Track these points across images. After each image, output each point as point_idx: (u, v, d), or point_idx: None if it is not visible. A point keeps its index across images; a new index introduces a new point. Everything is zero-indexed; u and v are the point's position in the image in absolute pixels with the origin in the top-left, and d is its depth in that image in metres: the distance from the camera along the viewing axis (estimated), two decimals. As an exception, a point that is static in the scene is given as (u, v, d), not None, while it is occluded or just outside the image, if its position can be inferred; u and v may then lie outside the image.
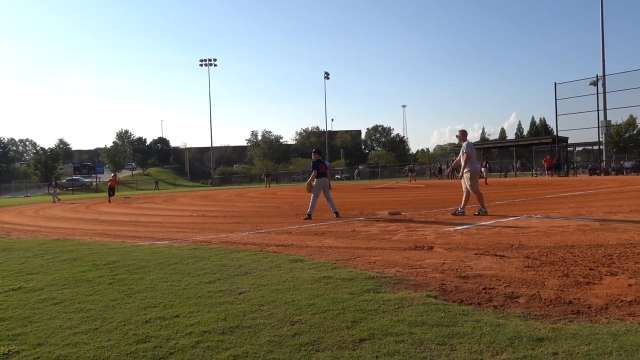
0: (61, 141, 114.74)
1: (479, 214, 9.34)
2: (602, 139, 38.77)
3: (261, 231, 8.44)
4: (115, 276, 4.92)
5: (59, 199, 30.87)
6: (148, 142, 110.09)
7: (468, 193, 9.66)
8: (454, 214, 9.54)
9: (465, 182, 9.64)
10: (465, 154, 9.56)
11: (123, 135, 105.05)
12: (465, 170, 9.57)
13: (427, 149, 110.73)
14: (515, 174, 45.54)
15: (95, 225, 11.75)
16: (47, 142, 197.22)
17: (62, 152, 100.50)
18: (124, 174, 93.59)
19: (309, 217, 10.12)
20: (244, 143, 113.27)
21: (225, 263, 5.35)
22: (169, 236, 8.37)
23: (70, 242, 8.11)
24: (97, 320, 3.43)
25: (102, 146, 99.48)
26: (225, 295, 3.96)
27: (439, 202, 13.86)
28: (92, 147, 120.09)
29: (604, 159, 38.90)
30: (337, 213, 10.24)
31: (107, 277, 4.90)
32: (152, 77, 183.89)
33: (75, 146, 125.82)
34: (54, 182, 33.69)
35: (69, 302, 3.98)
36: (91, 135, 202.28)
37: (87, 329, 3.23)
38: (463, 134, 9.92)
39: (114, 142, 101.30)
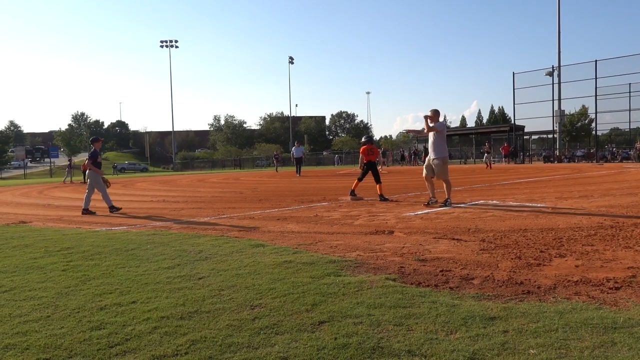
0: (12, 123, 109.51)
1: (446, 204, 8.43)
2: (556, 128, 40.30)
3: (223, 216, 8.35)
4: (70, 263, 4.76)
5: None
6: (106, 125, 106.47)
7: (430, 179, 8.80)
8: (428, 204, 8.65)
9: (433, 169, 8.63)
10: (435, 128, 8.42)
11: (79, 118, 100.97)
12: (434, 157, 8.54)
13: (390, 136, 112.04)
14: (475, 160, 46.79)
15: (49, 210, 11.30)
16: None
17: (13, 134, 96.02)
18: (80, 158, 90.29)
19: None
20: (207, 127, 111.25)
21: (185, 248, 5.27)
22: (126, 221, 8.16)
23: (21, 228, 7.77)
24: (49, 307, 3.32)
25: (57, 129, 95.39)
26: (184, 280, 3.91)
27: (401, 187, 14.10)
28: (46, 130, 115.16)
29: (557, 147, 40.49)
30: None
31: (60, 263, 4.74)
32: (110, 58, 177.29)
33: (27, 129, 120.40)
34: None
35: (19, 290, 3.82)
36: (45, 117, 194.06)
37: (39, 317, 3.12)
38: (435, 114, 8.61)
39: (69, 125, 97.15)
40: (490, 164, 28.85)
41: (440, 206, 8.35)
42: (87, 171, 10.25)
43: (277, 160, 41.62)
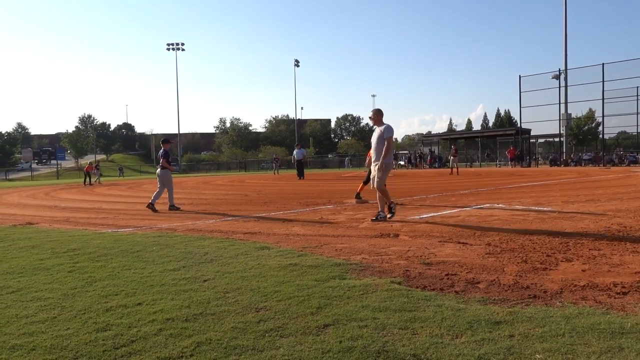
0: (19, 125, 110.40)
1: (376, 219, 7.30)
2: (562, 132, 40.08)
3: (228, 219, 8.37)
4: (76, 264, 4.78)
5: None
6: (112, 127, 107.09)
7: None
8: (392, 217, 7.41)
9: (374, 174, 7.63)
10: (386, 140, 7.36)
11: (86, 120, 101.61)
12: (379, 161, 7.39)
13: (396, 139, 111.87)
14: (480, 164, 46.67)
15: (55, 212, 11.37)
16: (4, 125, 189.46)
17: (21, 136, 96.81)
18: (86, 160, 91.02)
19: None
20: (212, 130, 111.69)
21: (191, 251, 5.28)
22: (132, 223, 8.19)
23: (28, 230, 7.82)
24: (56, 309, 3.34)
25: (64, 131, 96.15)
26: (189, 282, 3.92)
27: (406, 191, 14.07)
28: (53, 132, 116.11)
29: (564, 150, 40.26)
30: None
31: (66, 265, 4.76)
32: (116, 60, 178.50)
33: (34, 131, 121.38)
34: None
35: (25, 291, 3.85)
36: (52, 119, 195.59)
37: (45, 318, 3.14)
38: (378, 115, 7.61)
39: (76, 127, 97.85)
40: (457, 169, 26.63)
41: (372, 219, 7.35)
42: (160, 170, 10.75)
43: (276, 163, 41.82)
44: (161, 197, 10.62)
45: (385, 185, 7.50)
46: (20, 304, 3.50)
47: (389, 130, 7.41)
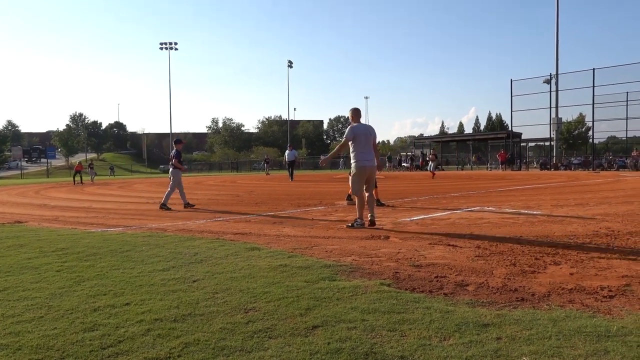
0: (9, 122, 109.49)
1: (352, 225, 6.83)
2: (553, 136, 40.42)
3: (219, 219, 8.34)
4: (64, 263, 4.74)
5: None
6: (104, 126, 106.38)
7: (371, 194, 7.23)
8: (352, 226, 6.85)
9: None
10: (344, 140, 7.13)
11: (77, 119, 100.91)
12: (352, 162, 7.02)
13: (388, 141, 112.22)
14: (472, 167, 46.93)
15: (44, 210, 11.27)
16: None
17: (11, 134, 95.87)
18: (77, 159, 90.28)
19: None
20: (205, 130, 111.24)
21: (181, 251, 5.26)
22: (122, 223, 8.14)
23: (16, 228, 7.74)
24: (43, 308, 3.30)
25: (55, 129, 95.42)
26: (179, 283, 3.90)
27: (398, 193, 14.11)
28: (44, 130, 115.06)
29: (554, 154, 40.60)
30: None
31: (55, 264, 4.72)
32: (109, 59, 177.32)
33: (25, 128, 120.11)
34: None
35: (12, 290, 3.81)
36: (43, 117, 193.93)
37: (32, 318, 3.11)
38: (352, 115, 7.23)
39: (67, 126, 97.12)
40: (434, 172, 26.81)
41: (347, 225, 6.94)
42: (171, 169, 10.94)
43: (267, 164, 41.80)
44: (173, 196, 10.76)
45: (361, 192, 6.97)
46: (7, 303, 3.46)
47: (346, 131, 7.11)
